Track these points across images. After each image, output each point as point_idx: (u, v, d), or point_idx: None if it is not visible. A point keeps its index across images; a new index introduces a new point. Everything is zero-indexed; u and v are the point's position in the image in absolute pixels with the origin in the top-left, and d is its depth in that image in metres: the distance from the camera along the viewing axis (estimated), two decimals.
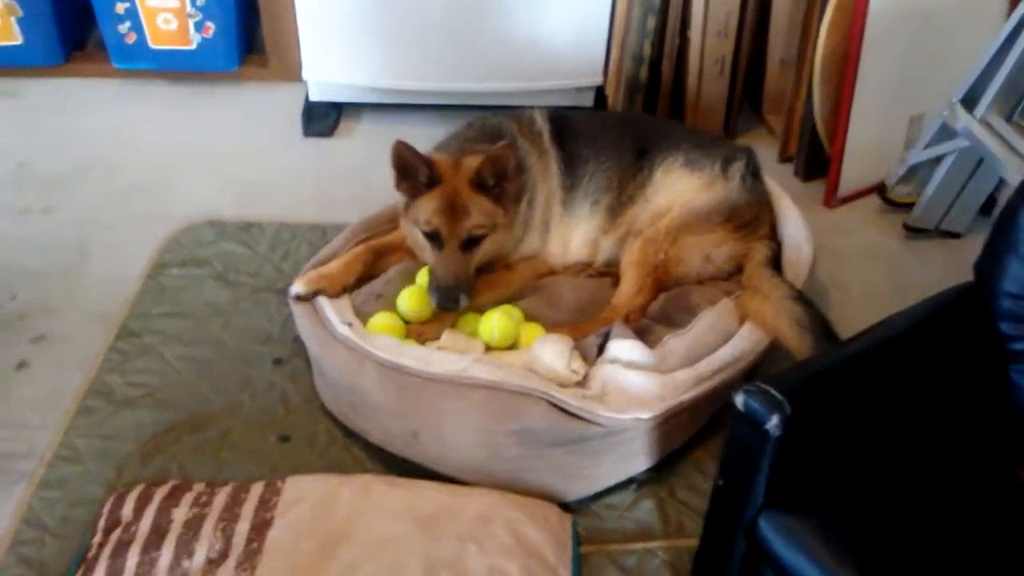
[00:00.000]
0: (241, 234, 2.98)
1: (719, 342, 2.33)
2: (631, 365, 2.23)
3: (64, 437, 2.32)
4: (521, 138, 2.56)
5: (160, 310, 2.69)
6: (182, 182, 3.27)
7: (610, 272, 2.62)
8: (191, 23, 3.57)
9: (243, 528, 1.95)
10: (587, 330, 2.38)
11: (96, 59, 3.75)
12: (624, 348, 2.26)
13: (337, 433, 2.35)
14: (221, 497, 2.03)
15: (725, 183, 2.59)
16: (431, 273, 2.35)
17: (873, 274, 2.99)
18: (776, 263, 2.53)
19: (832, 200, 3.21)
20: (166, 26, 3.57)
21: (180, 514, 1.98)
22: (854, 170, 3.18)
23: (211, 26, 3.58)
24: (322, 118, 3.55)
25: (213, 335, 2.62)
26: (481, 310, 2.42)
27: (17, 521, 2.13)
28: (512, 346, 2.37)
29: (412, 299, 2.42)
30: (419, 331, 2.38)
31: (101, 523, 2.02)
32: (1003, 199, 3.05)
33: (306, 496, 2.03)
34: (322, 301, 2.35)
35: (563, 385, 2.19)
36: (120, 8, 3.51)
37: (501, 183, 2.34)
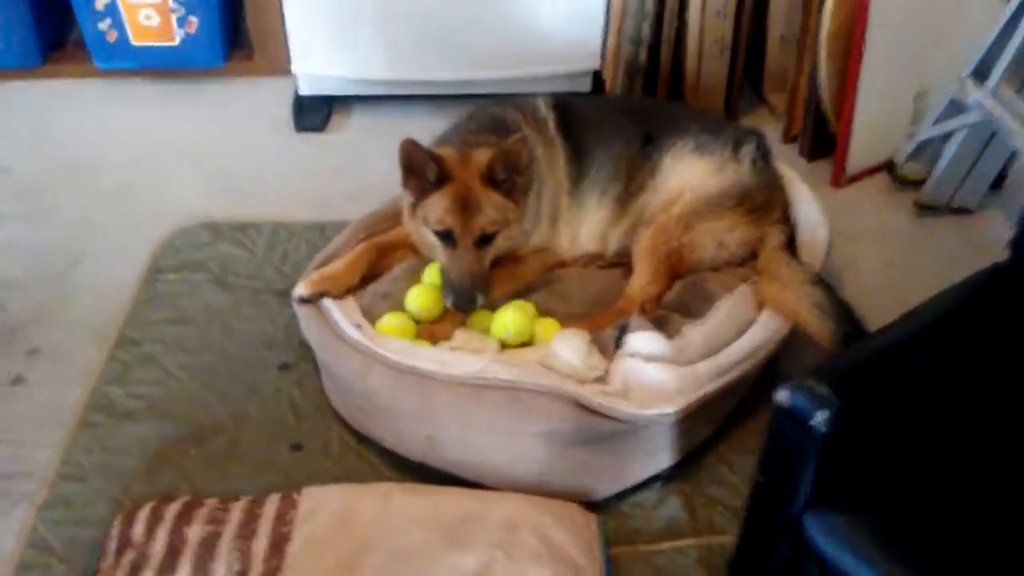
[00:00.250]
0: (237, 235, 2.89)
1: (739, 331, 2.27)
2: (651, 358, 2.16)
3: (65, 454, 2.23)
4: (526, 127, 2.48)
5: (158, 317, 2.60)
6: (171, 183, 3.18)
7: (622, 262, 2.55)
8: (174, 18, 3.47)
9: (261, 545, 1.87)
10: (602, 323, 2.32)
11: (76, 59, 3.64)
12: (643, 340, 2.19)
13: (350, 439, 2.27)
14: (236, 513, 1.95)
15: (736, 167, 2.52)
16: (444, 274, 2.27)
17: (885, 253, 2.94)
18: (791, 247, 2.47)
19: (840, 179, 3.15)
20: (148, 22, 3.47)
21: (194, 533, 1.90)
22: (860, 148, 3.13)
23: (194, 21, 3.48)
24: (313, 112, 3.46)
25: (215, 341, 2.53)
26: (492, 306, 2.35)
27: (21, 545, 2.03)
28: (527, 342, 2.30)
29: (421, 297, 2.34)
30: (430, 331, 2.30)
31: (111, 544, 1.93)
32: (1015, 173, 3.02)
33: (324, 508, 1.95)
34: (328, 303, 2.27)
35: (582, 382, 2.12)
36: (100, 4, 3.40)
37: (512, 177, 2.26)
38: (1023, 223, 1.80)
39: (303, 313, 2.31)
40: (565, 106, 2.61)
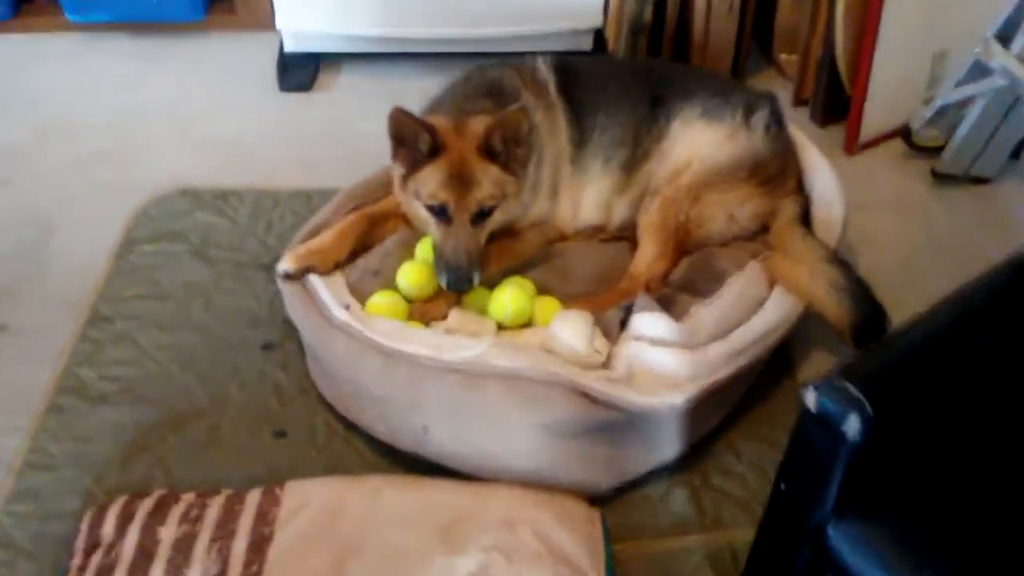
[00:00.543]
0: (218, 203, 2.74)
1: (751, 311, 2.14)
2: (658, 341, 2.04)
3: (33, 441, 2.10)
4: (525, 91, 2.32)
5: (133, 292, 2.46)
6: (148, 147, 3.03)
7: (625, 236, 2.41)
8: None
9: (240, 546, 1.74)
10: (606, 302, 2.19)
11: (47, 11, 3.48)
12: (649, 322, 2.06)
13: (337, 426, 2.14)
14: (214, 510, 1.82)
15: (748, 134, 2.38)
16: (437, 251, 2.13)
17: (902, 224, 2.81)
18: (806, 220, 2.34)
19: (853, 146, 3.00)
20: None
21: (168, 533, 1.77)
22: (876, 113, 2.98)
23: None
24: (299, 71, 3.30)
25: (194, 319, 2.39)
26: (489, 283, 2.21)
27: None
28: (526, 323, 2.17)
29: (413, 275, 2.20)
30: (422, 311, 2.16)
31: (79, 542, 1.81)
32: None
33: (308, 505, 1.83)
34: (315, 281, 2.14)
35: (585, 367, 1.99)
36: None
37: (511, 148, 2.10)
38: None
39: (288, 291, 2.18)
40: (567, 67, 2.45)
